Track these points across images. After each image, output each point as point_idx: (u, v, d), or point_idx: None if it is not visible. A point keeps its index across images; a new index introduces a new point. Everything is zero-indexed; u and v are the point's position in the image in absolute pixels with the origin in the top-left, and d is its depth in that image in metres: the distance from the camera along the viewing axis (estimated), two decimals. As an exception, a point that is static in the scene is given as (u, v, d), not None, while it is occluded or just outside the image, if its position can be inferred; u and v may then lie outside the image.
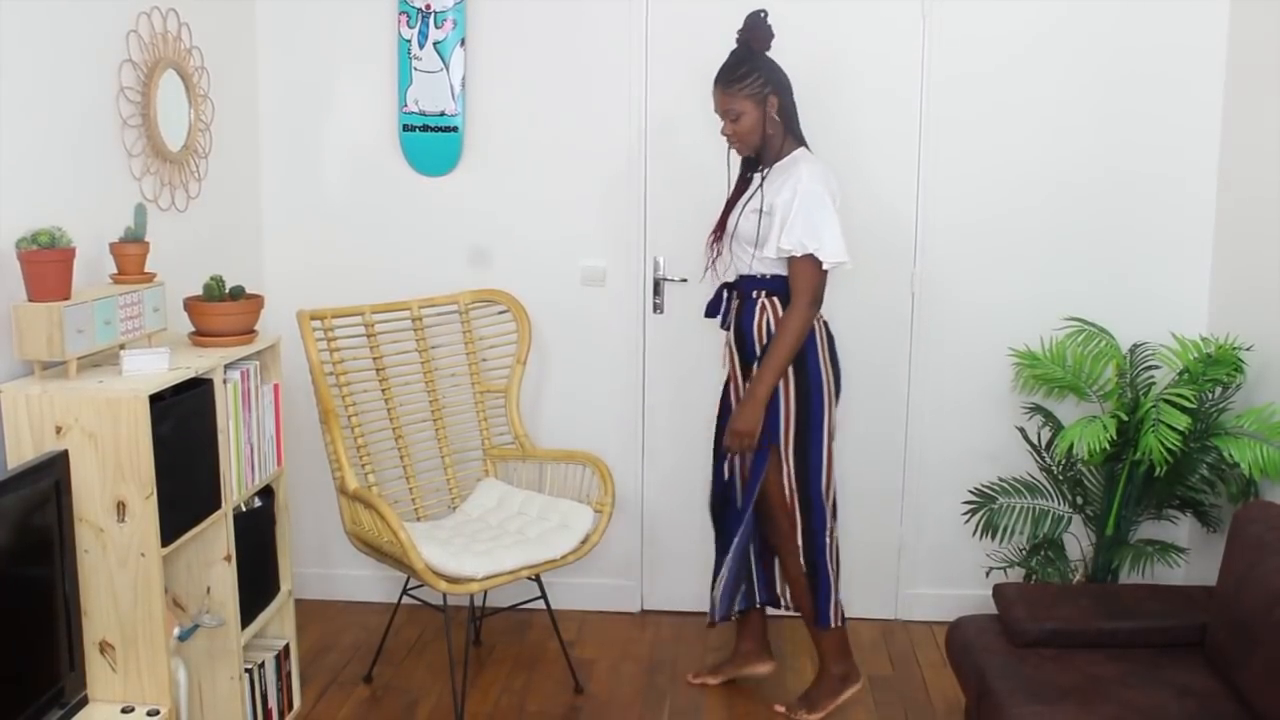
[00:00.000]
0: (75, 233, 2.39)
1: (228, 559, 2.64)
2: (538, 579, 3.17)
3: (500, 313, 3.55)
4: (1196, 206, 3.48)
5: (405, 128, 3.62)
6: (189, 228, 3.14)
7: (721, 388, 3.21)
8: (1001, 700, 2.39)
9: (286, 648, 3.01)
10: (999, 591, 2.80)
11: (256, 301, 2.77)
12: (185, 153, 3.07)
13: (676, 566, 3.76)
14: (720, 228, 3.12)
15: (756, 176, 3.03)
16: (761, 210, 2.93)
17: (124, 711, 2.31)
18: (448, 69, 3.57)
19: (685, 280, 3.63)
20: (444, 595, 2.98)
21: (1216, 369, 3.09)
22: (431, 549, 2.93)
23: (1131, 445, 3.06)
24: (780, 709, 3.15)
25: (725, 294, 3.14)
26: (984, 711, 2.48)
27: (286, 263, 3.71)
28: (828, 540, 3.05)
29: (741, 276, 3.06)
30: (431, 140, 3.62)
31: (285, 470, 2.96)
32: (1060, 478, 3.37)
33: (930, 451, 3.67)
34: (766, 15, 2.96)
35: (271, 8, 3.61)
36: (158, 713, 2.30)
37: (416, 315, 3.47)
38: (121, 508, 2.27)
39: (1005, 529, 3.38)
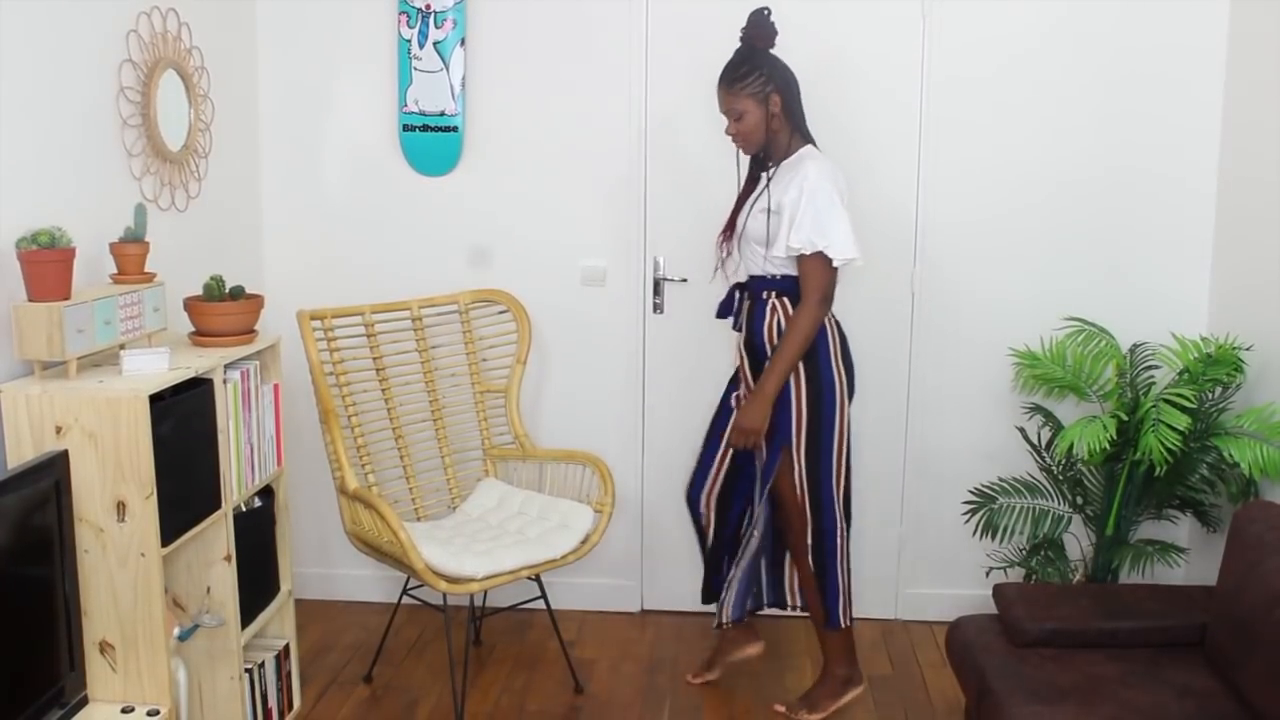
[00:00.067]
0: (75, 233, 2.39)
1: (228, 559, 2.64)
2: (538, 579, 3.17)
3: (500, 313, 3.55)
4: (1197, 206, 3.48)
5: (405, 128, 3.62)
6: (189, 228, 3.14)
7: (724, 387, 3.21)
8: (1001, 700, 2.39)
9: (286, 648, 3.01)
10: (999, 591, 2.80)
11: (256, 301, 2.77)
12: (185, 153, 3.07)
13: (676, 566, 3.75)
14: (730, 227, 3.11)
15: (764, 175, 3.02)
16: (769, 209, 2.93)
17: (124, 711, 2.31)
18: (448, 69, 3.57)
19: (685, 280, 3.63)
20: (444, 595, 2.98)
21: (1216, 369, 3.09)
22: (431, 549, 2.93)
23: (1131, 445, 3.06)
24: (780, 709, 3.14)
25: (737, 295, 3.13)
26: (984, 711, 2.48)
27: (286, 263, 3.71)
28: (838, 542, 3.03)
29: (752, 277, 3.05)
30: (431, 140, 3.62)
31: (285, 470, 2.96)
32: (1060, 478, 3.37)
33: (930, 451, 3.67)
34: (770, 13, 2.95)
35: (271, 8, 3.61)
36: (158, 713, 2.30)
37: (416, 315, 3.47)
38: (121, 508, 2.27)
39: (1005, 529, 3.38)
